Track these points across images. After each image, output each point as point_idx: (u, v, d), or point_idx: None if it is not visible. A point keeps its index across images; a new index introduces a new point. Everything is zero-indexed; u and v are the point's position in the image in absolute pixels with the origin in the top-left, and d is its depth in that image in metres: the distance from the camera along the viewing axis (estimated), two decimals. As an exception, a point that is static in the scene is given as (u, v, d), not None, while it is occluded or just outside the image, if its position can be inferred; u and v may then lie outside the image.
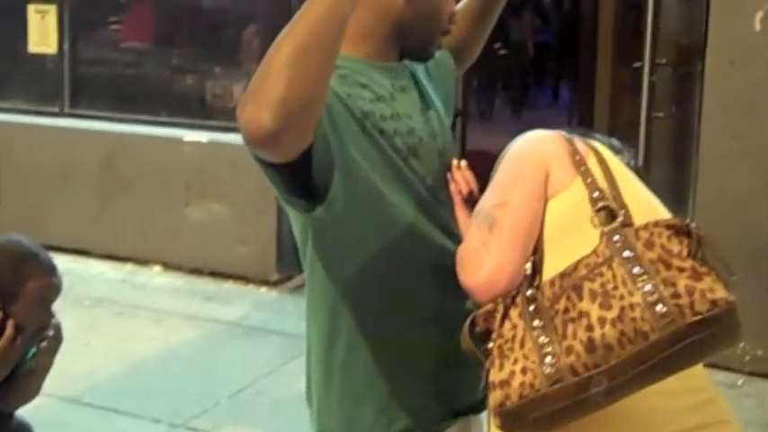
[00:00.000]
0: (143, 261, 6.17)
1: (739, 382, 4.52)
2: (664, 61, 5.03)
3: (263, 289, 5.82)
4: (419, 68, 1.93)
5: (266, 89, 1.36)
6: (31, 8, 6.58)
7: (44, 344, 2.24)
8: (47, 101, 6.66)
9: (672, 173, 5.32)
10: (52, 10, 6.55)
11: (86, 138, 6.39)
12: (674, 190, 5.20)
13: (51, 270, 2.30)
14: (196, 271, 6.01)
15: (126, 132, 6.27)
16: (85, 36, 6.77)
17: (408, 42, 1.80)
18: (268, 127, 1.35)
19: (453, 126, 2.16)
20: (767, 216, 4.47)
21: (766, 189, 4.46)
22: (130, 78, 6.80)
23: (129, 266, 6.15)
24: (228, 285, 5.87)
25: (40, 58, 6.69)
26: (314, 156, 1.49)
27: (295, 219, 1.76)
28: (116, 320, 5.29)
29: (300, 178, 1.52)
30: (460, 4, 2.15)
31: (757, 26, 4.39)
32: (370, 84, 1.73)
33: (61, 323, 2.32)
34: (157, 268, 6.13)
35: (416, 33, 1.78)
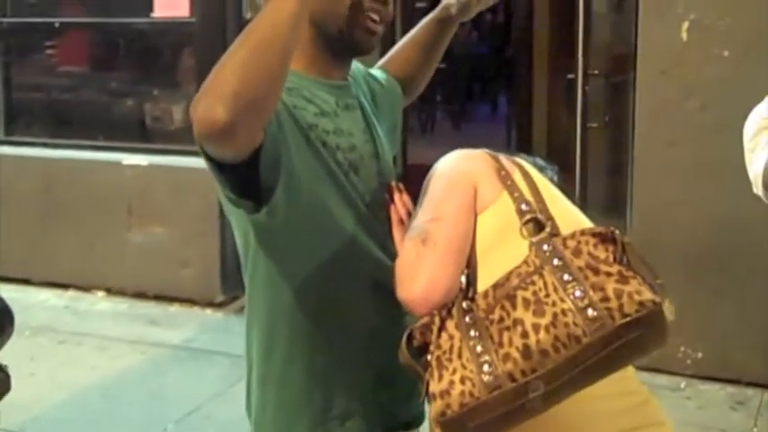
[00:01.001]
0: (85, 287, 6.11)
1: (681, 385, 4.60)
2: (596, 72, 5.11)
3: (209, 311, 5.79)
4: (364, 93, 1.95)
5: (219, 85, 1.40)
6: (-36, 35, 6.51)
7: None
8: (-19, 128, 6.58)
9: (608, 181, 5.41)
10: (-15, 36, 6.48)
11: (24, 164, 6.32)
12: (611, 198, 5.29)
13: (11, 321, 2.24)
14: (140, 295, 5.96)
15: (64, 157, 6.21)
16: (20, 61, 6.69)
17: (336, 37, 1.76)
18: (220, 120, 1.38)
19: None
20: (702, 222, 4.57)
21: (700, 195, 4.56)
22: (67, 103, 6.73)
23: (70, 293, 6.09)
24: (173, 308, 5.84)
25: (-25, 85, 6.61)
26: (262, 155, 1.51)
27: (237, 225, 1.77)
28: (59, 349, 5.23)
29: (248, 178, 1.54)
30: (408, 35, 2.19)
31: (684, 36, 4.49)
32: (314, 99, 1.76)
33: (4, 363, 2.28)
34: (100, 293, 6.07)
35: (333, 24, 1.75)
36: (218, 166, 1.52)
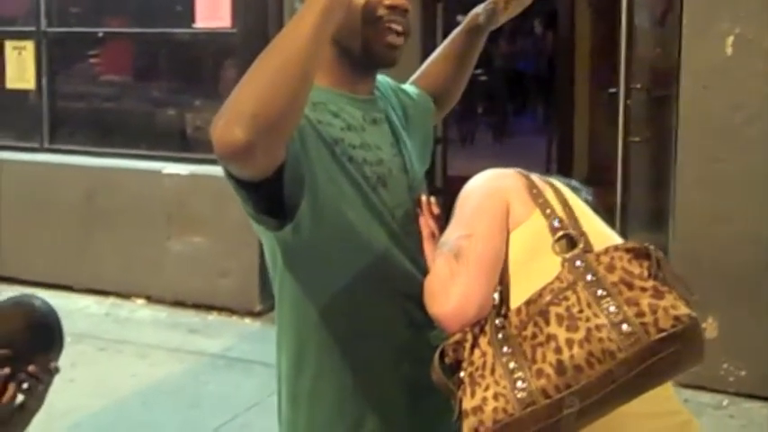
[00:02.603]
0: (126, 294, 6.16)
1: (724, 403, 4.54)
2: (639, 86, 5.07)
3: (247, 320, 5.81)
4: (394, 106, 1.95)
5: (237, 105, 1.41)
6: (9, 45, 6.60)
7: (41, 387, 2.21)
8: (26, 136, 6.66)
9: (650, 196, 5.36)
10: (30, 46, 6.56)
11: (67, 172, 6.39)
12: (653, 213, 5.24)
13: (63, 339, 2.25)
14: (179, 303, 6.00)
15: (106, 166, 6.28)
16: (63, 71, 6.78)
17: (357, 51, 1.75)
18: (239, 141, 1.38)
19: (434, 153, 2.19)
20: (745, 238, 4.51)
21: (743, 211, 4.51)
22: (110, 112, 6.80)
23: (111, 300, 6.14)
24: (212, 317, 5.87)
25: (19, 93, 6.69)
26: (285, 173, 1.51)
27: (266, 243, 1.77)
28: (99, 356, 5.27)
29: (271, 196, 1.54)
30: (438, 48, 2.19)
31: (729, 51, 4.45)
32: (341, 113, 1.75)
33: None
34: (140, 301, 6.11)
35: (354, 39, 1.74)
36: (241, 183, 1.52)
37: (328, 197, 1.66)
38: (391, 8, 1.74)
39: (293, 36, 1.48)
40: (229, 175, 1.51)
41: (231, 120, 1.39)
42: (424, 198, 1.86)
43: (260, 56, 1.46)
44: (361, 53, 1.75)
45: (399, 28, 1.76)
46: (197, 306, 5.95)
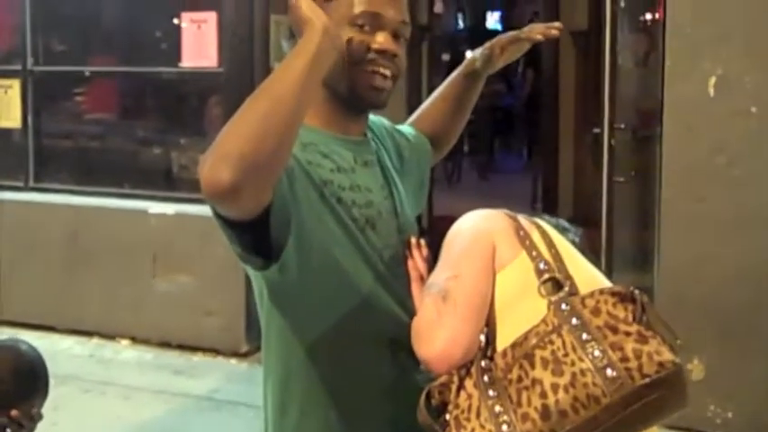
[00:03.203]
0: (110, 335, 6.12)
1: (710, 444, 4.53)
2: (623, 126, 5.11)
3: (233, 361, 5.77)
4: (387, 149, 1.96)
5: (225, 146, 1.41)
6: (-5, 83, 6.61)
7: None
8: (11, 175, 6.64)
9: (635, 236, 5.38)
10: (15, 84, 6.57)
11: (51, 211, 6.37)
12: (638, 253, 5.25)
13: (48, 385, 2.23)
14: (164, 344, 5.96)
15: (91, 205, 6.27)
16: (49, 109, 6.78)
17: (344, 94, 1.76)
18: (225, 181, 1.38)
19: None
20: (731, 278, 4.52)
21: (729, 251, 4.52)
22: (95, 151, 6.81)
23: (95, 341, 6.10)
24: (197, 358, 5.83)
25: (5, 132, 6.69)
26: (272, 214, 1.52)
27: (254, 280, 1.77)
28: (83, 398, 5.22)
29: (257, 236, 1.54)
30: (436, 91, 2.21)
31: (711, 92, 4.49)
32: (331, 154, 1.76)
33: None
34: (125, 342, 6.07)
35: (341, 82, 1.74)
36: (228, 223, 1.52)
37: (316, 238, 1.66)
38: (379, 52, 1.75)
39: (283, 80, 1.49)
40: (217, 214, 1.52)
41: (218, 160, 1.40)
42: (413, 240, 1.86)
43: (248, 99, 1.47)
44: (349, 95, 1.76)
45: (387, 72, 1.76)
46: (182, 347, 5.91)
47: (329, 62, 1.57)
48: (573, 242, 1.77)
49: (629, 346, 1.46)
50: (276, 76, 1.50)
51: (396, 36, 1.77)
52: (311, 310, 1.73)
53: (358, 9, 1.74)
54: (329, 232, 1.69)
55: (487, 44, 2.12)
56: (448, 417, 1.55)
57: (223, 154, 1.40)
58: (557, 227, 1.79)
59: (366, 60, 1.74)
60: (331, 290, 1.72)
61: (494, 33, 2.21)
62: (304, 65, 1.50)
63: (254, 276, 1.74)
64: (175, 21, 6.09)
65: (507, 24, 12.56)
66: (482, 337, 1.60)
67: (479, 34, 12.38)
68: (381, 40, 1.75)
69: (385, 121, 2.04)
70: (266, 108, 1.45)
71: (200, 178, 1.42)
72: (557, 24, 2.05)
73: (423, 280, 1.79)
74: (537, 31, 2.06)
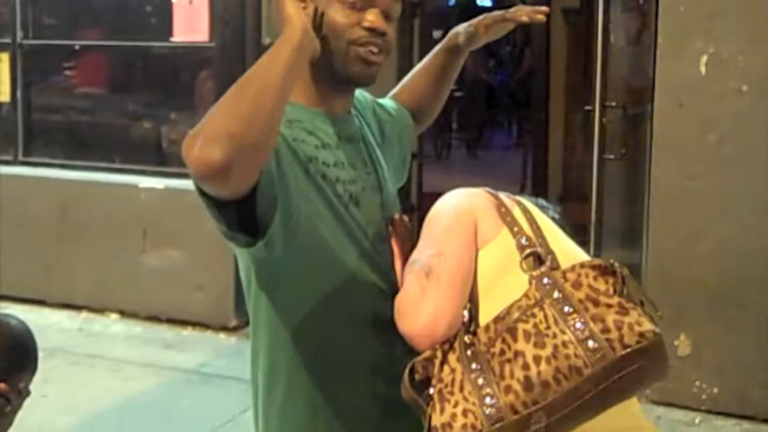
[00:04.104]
0: (99, 309, 6.12)
1: (696, 420, 4.56)
2: (614, 104, 5.11)
3: (222, 335, 5.79)
4: (369, 124, 1.96)
5: (214, 126, 1.43)
6: (-16, 57, 6.57)
7: (9, 408, 2.19)
8: (0, 149, 6.61)
9: (624, 213, 5.40)
10: (5, 58, 6.53)
11: (41, 186, 6.35)
12: (627, 230, 5.27)
13: (37, 361, 2.23)
14: (153, 318, 5.97)
15: (81, 180, 6.25)
16: (39, 83, 6.75)
17: (334, 71, 1.76)
18: (216, 162, 1.40)
19: (409, 170, 2.20)
20: (719, 255, 4.54)
21: (717, 228, 4.54)
22: (85, 125, 6.78)
23: (84, 315, 6.10)
24: (187, 332, 5.84)
25: (-6, 106, 6.66)
26: (259, 192, 1.52)
27: (241, 259, 1.78)
28: (72, 371, 5.23)
29: (244, 214, 1.55)
30: (418, 65, 2.20)
31: (702, 70, 4.49)
32: (315, 131, 1.76)
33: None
34: (114, 316, 6.08)
35: (327, 59, 1.74)
36: (213, 201, 1.53)
37: (302, 214, 1.67)
38: (369, 30, 1.75)
39: (269, 66, 1.54)
40: (202, 193, 1.52)
41: (208, 140, 1.41)
42: (396, 216, 1.87)
43: (236, 83, 1.50)
44: (339, 71, 1.76)
45: (376, 49, 1.76)
46: (171, 321, 5.92)
47: (310, 53, 1.63)
48: (553, 219, 1.80)
49: (610, 317, 1.49)
50: (261, 64, 1.54)
51: (386, 14, 1.77)
52: (297, 286, 1.74)
53: None
54: (315, 208, 1.70)
55: (473, 21, 2.10)
56: (432, 391, 1.58)
57: (213, 135, 1.41)
58: (536, 204, 1.82)
59: (356, 38, 1.74)
60: (317, 266, 1.73)
61: (485, 10, 2.20)
62: (287, 55, 1.55)
63: (240, 254, 1.75)
64: (166, -6, 6.06)
65: (498, 2, 12.50)
66: (465, 313, 1.62)
67: (471, 11, 12.32)
68: (372, 18, 1.74)
69: (367, 95, 2.04)
70: (255, 91, 1.48)
71: (186, 159, 1.43)
72: (543, 9, 2.05)
73: (406, 257, 1.79)
74: (523, 12, 2.05)
